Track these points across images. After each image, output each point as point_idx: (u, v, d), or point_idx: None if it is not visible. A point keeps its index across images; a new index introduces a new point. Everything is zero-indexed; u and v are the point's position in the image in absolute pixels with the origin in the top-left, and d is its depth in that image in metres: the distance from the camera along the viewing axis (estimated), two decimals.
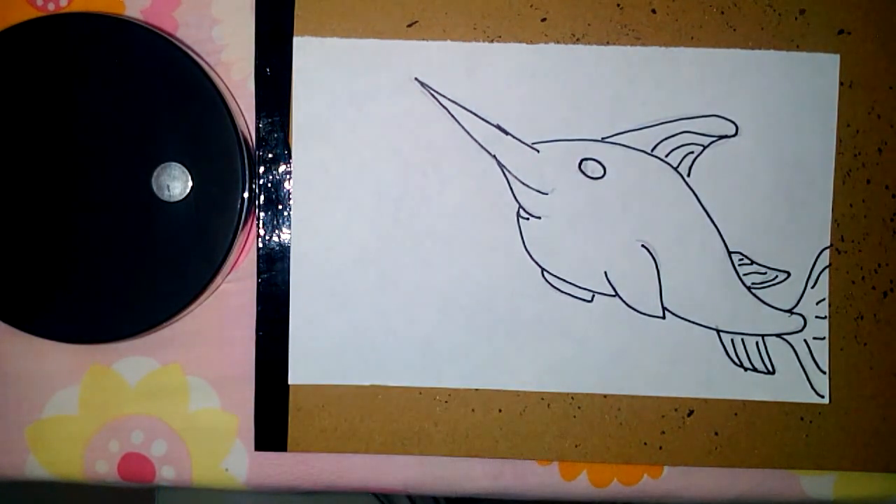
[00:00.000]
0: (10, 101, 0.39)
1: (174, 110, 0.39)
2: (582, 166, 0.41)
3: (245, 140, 0.40)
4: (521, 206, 0.41)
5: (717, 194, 0.41)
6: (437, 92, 0.41)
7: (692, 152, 0.41)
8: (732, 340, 0.41)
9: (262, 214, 0.41)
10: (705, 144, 0.40)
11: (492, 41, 0.41)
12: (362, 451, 0.41)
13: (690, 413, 0.41)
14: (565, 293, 0.41)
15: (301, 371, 0.41)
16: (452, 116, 0.41)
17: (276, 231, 0.41)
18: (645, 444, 0.41)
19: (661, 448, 0.41)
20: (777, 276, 0.41)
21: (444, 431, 0.41)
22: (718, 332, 0.41)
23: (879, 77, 0.41)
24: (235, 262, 0.42)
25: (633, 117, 0.41)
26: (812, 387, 0.41)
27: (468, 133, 0.41)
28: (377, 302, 0.41)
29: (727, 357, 0.41)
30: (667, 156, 0.40)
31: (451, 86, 0.41)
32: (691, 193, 0.41)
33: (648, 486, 0.43)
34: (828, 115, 0.41)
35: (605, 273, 0.41)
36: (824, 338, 0.41)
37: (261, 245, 0.41)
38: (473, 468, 0.42)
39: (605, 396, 0.41)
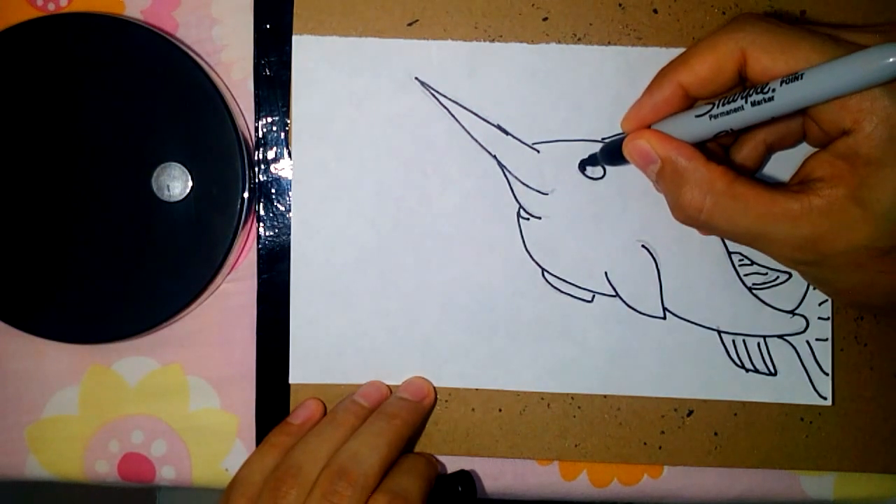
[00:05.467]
0: (10, 101, 0.39)
1: (174, 110, 0.39)
2: (582, 166, 0.41)
3: (245, 140, 0.40)
4: (521, 206, 0.41)
5: None
6: (437, 91, 0.41)
7: None
8: (734, 341, 0.41)
9: (262, 215, 0.41)
10: None
11: (493, 41, 0.41)
12: None
13: (690, 413, 0.41)
14: (565, 293, 0.41)
15: (301, 371, 0.41)
16: (453, 116, 0.41)
17: (276, 231, 0.41)
18: (645, 444, 0.41)
19: (660, 448, 0.41)
20: (778, 277, 0.41)
21: (444, 431, 0.41)
22: (719, 332, 0.41)
23: None
24: (235, 262, 0.42)
25: None
26: (814, 388, 0.41)
27: (468, 133, 0.41)
28: (377, 302, 0.41)
29: (728, 358, 0.41)
30: None
31: (452, 85, 0.41)
32: None
33: (648, 486, 0.43)
34: None
35: (606, 273, 0.41)
36: (827, 339, 0.41)
37: (261, 245, 0.41)
38: (473, 468, 0.42)
39: (605, 396, 0.41)
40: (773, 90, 0.30)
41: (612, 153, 0.38)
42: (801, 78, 0.30)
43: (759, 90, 0.31)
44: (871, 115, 0.30)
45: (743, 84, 0.34)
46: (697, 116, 0.34)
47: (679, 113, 0.35)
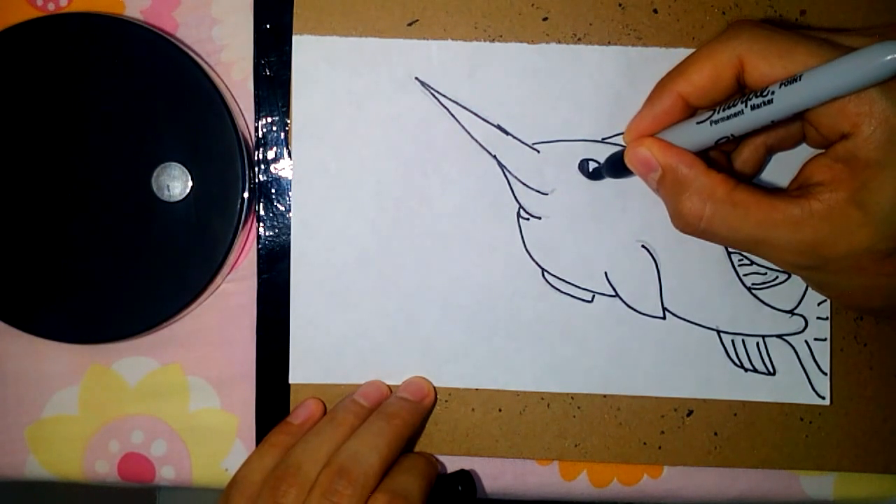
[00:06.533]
0: (11, 101, 0.39)
1: (174, 110, 0.39)
2: (582, 166, 0.41)
3: (245, 140, 0.40)
4: (521, 207, 0.41)
5: None
6: (437, 91, 0.41)
7: None
8: (733, 341, 0.41)
9: (262, 214, 0.41)
10: None
11: (493, 40, 0.41)
12: None
13: (690, 413, 0.41)
14: (565, 293, 0.41)
15: (301, 371, 0.41)
16: (453, 116, 0.41)
17: (276, 231, 0.41)
18: (644, 443, 0.41)
19: (660, 448, 0.41)
20: (777, 277, 0.41)
21: (444, 431, 0.41)
22: (719, 332, 0.41)
23: None
24: (235, 262, 0.42)
25: None
26: (813, 388, 0.41)
27: (469, 133, 0.41)
28: (377, 302, 0.41)
29: (727, 358, 0.41)
30: None
31: (452, 85, 0.41)
32: None
33: (648, 486, 0.43)
34: None
35: (606, 273, 0.41)
36: (826, 339, 0.41)
37: (261, 245, 0.41)
38: (473, 468, 0.42)
39: (604, 396, 0.41)
40: (773, 93, 0.30)
41: (615, 165, 0.38)
42: (800, 80, 0.30)
43: (758, 94, 0.31)
44: (869, 119, 0.30)
45: (742, 92, 0.34)
46: (698, 123, 0.34)
47: (680, 121, 0.35)
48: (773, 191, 0.33)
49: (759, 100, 0.31)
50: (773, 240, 0.33)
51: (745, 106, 0.31)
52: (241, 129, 0.40)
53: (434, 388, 0.41)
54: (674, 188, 0.34)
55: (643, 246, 0.41)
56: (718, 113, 0.33)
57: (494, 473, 0.43)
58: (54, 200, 0.40)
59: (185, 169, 0.39)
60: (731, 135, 0.33)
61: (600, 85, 0.40)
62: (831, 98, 0.30)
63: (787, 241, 0.32)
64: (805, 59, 0.31)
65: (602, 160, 0.40)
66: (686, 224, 0.35)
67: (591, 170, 0.40)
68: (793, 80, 0.30)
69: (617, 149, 0.40)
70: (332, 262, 0.41)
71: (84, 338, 0.41)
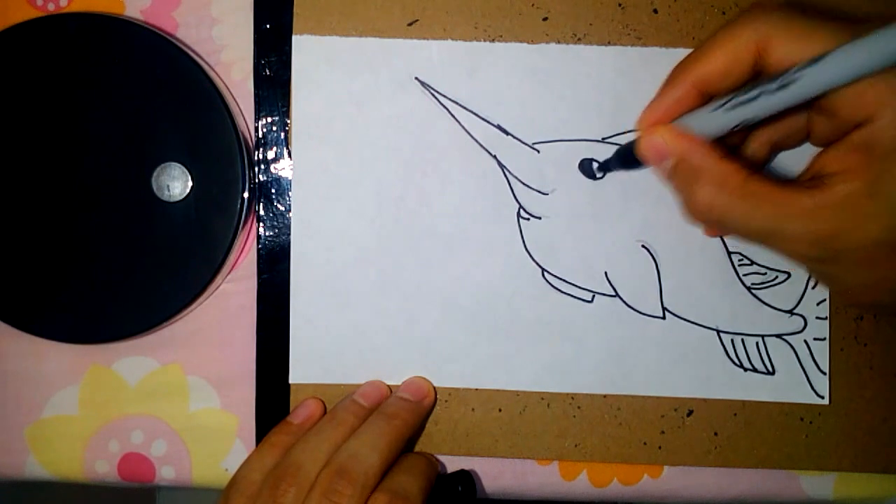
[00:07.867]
0: (11, 101, 0.39)
1: (174, 110, 0.39)
2: (582, 166, 0.41)
3: (245, 140, 0.40)
4: (521, 206, 0.41)
5: None
6: (437, 91, 0.41)
7: None
8: (732, 341, 0.41)
9: (262, 215, 0.41)
10: None
11: (493, 40, 0.41)
12: None
13: (690, 413, 0.41)
14: (565, 293, 0.41)
15: (301, 371, 0.41)
16: (453, 116, 0.41)
17: (276, 231, 0.41)
18: (644, 443, 0.41)
19: (660, 448, 0.41)
20: (777, 277, 0.41)
21: (444, 431, 0.41)
22: (718, 332, 0.41)
23: None
24: (235, 262, 0.42)
25: (634, 118, 0.40)
26: (812, 388, 0.41)
27: (469, 133, 0.41)
28: (377, 302, 0.41)
29: (727, 357, 0.41)
30: None
31: (452, 85, 0.41)
32: None
33: (648, 486, 0.43)
34: None
35: (606, 273, 0.41)
36: (825, 339, 0.41)
37: (261, 245, 0.41)
38: (473, 468, 0.42)
39: (604, 396, 0.41)
40: (794, 74, 0.29)
41: (625, 156, 0.38)
42: (823, 60, 0.28)
43: (777, 77, 0.30)
44: (889, 106, 0.29)
45: (757, 79, 0.33)
46: (713, 111, 0.32)
47: (694, 110, 0.35)
48: (785, 181, 0.33)
49: (779, 82, 0.30)
50: (786, 231, 0.32)
51: (765, 90, 0.30)
52: (241, 129, 0.40)
53: (434, 388, 0.41)
54: (687, 177, 0.34)
55: (643, 246, 0.41)
56: (734, 99, 0.32)
57: (494, 473, 0.43)
58: (54, 200, 0.40)
59: (185, 169, 0.39)
60: (747, 121, 0.32)
61: (600, 85, 0.40)
62: (855, 78, 0.28)
63: (799, 233, 0.32)
64: (827, 40, 0.29)
65: (602, 160, 0.40)
66: (698, 214, 0.34)
67: (599, 163, 0.40)
68: (815, 60, 0.29)
69: (618, 147, 0.39)
70: (332, 262, 0.41)
71: (84, 338, 0.41)
